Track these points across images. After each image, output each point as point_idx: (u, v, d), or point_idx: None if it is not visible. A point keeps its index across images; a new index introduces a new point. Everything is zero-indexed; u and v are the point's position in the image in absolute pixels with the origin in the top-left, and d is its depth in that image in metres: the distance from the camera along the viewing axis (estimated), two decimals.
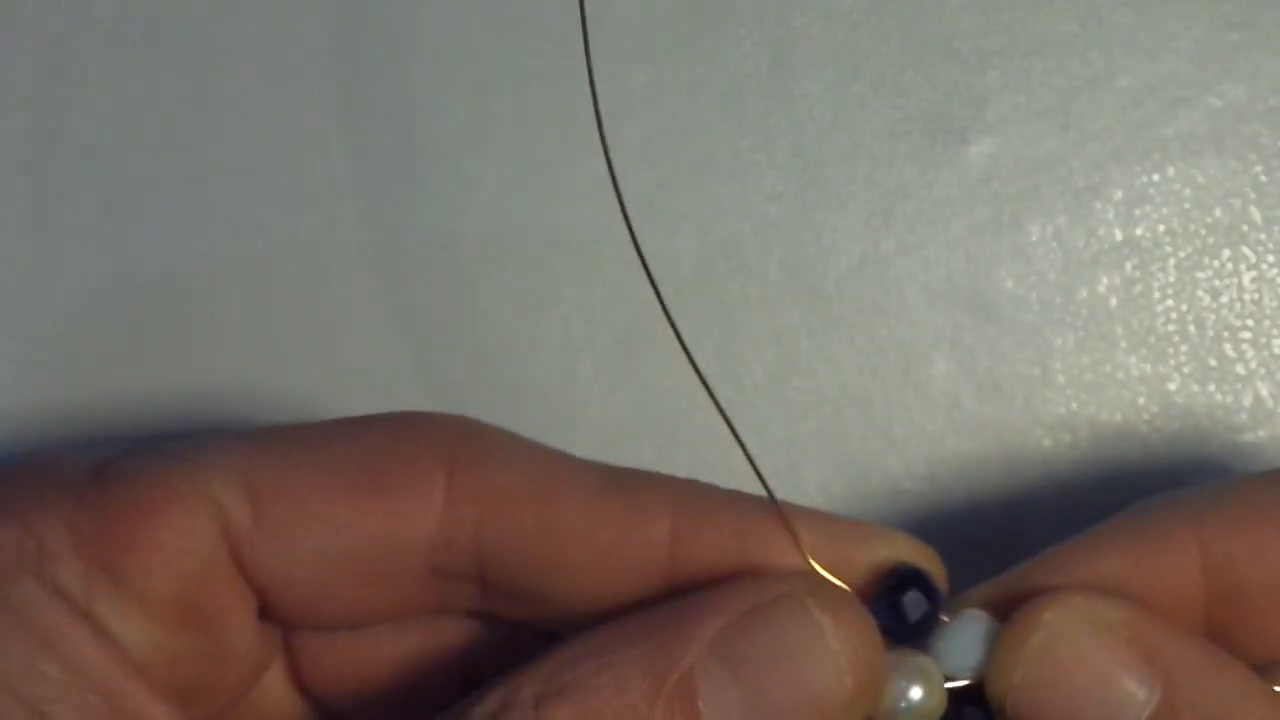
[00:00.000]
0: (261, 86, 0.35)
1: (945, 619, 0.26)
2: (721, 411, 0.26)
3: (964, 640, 0.26)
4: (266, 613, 0.27)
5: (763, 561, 0.25)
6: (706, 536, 0.25)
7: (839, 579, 0.26)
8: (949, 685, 0.26)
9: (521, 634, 0.27)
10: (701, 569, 0.25)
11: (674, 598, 0.25)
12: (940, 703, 0.25)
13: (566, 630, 0.26)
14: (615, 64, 0.35)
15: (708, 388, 0.26)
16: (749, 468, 0.27)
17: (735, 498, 0.26)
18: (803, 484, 0.34)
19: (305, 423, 0.27)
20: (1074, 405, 0.35)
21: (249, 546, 0.26)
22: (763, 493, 0.26)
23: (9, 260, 0.35)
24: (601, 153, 0.35)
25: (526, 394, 0.35)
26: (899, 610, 0.25)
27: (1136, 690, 0.24)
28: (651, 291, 0.35)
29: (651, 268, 0.35)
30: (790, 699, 0.23)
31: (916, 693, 0.25)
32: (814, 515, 0.26)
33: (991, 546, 0.35)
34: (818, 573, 0.25)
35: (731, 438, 0.27)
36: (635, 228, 0.35)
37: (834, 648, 0.24)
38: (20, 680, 0.23)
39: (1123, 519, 0.26)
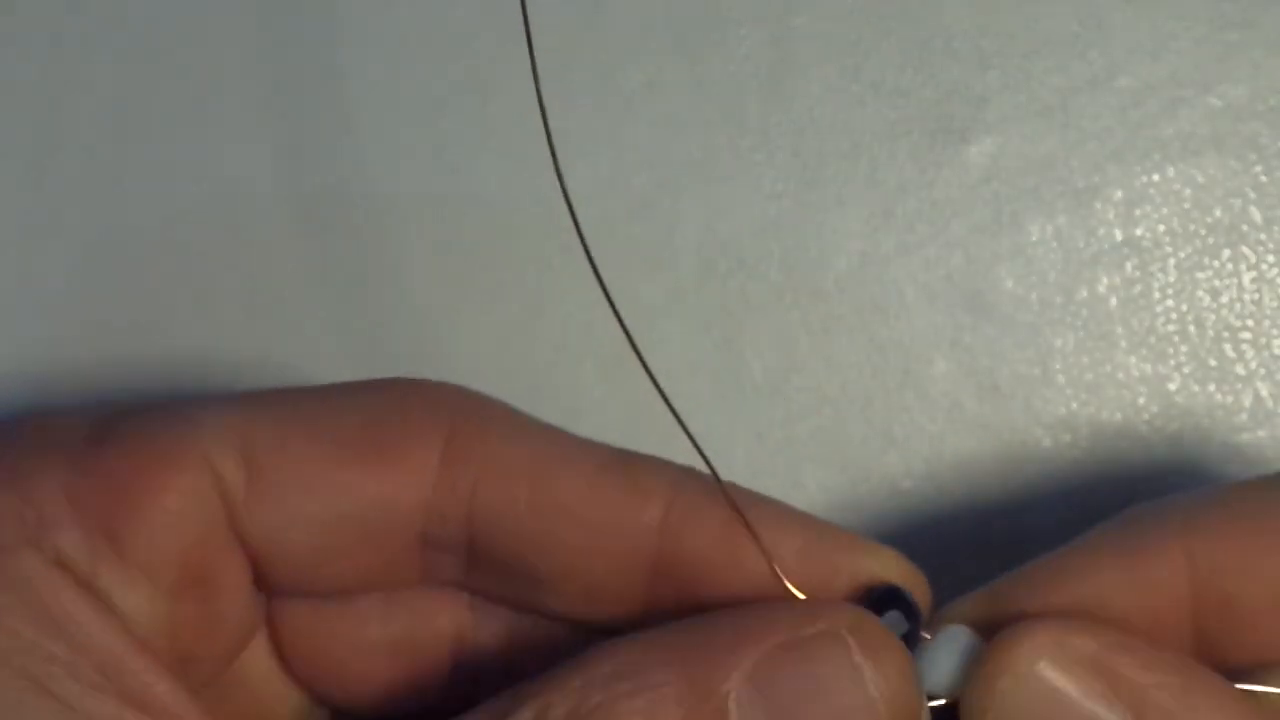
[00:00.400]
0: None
1: (927, 636, 0.26)
2: (662, 394, 0.26)
3: (944, 659, 0.25)
4: (259, 580, 0.26)
5: (745, 562, 0.25)
6: (696, 528, 0.25)
7: (823, 590, 0.25)
8: (931, 704, 0.25)
9: (515, 620, 0.27)
10: (687, 558, 0.25)
11: (708, 614, 0.24)
12: None
13: (546, 616, 0.26)
14: (615, 64, 0.35)
15: (648, 370, 0.26)
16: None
17: (733, 494, 0.26)
18: (803, 484, 0.34)
19: (303, 386, 0.27)
20: (1074, 405, 0.35)
21: (244, 510, 0.25)
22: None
23: None
24: (604, 150, 0.35)
25: (526, 394, 0.35)
26: None
27: None
28: (651, 289, 0.35)
29: (651, 268, 0.35)
30: None
31: None
32: (802, 520, 0.26)
33: (991, 547, 0.35)
34: (859, 609, 0.25)
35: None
36: (635, 227, 0.35)
37: (872, 693, 0.23)
38: (24, 658, 0.23)
39: (1110, 529, 0.26)
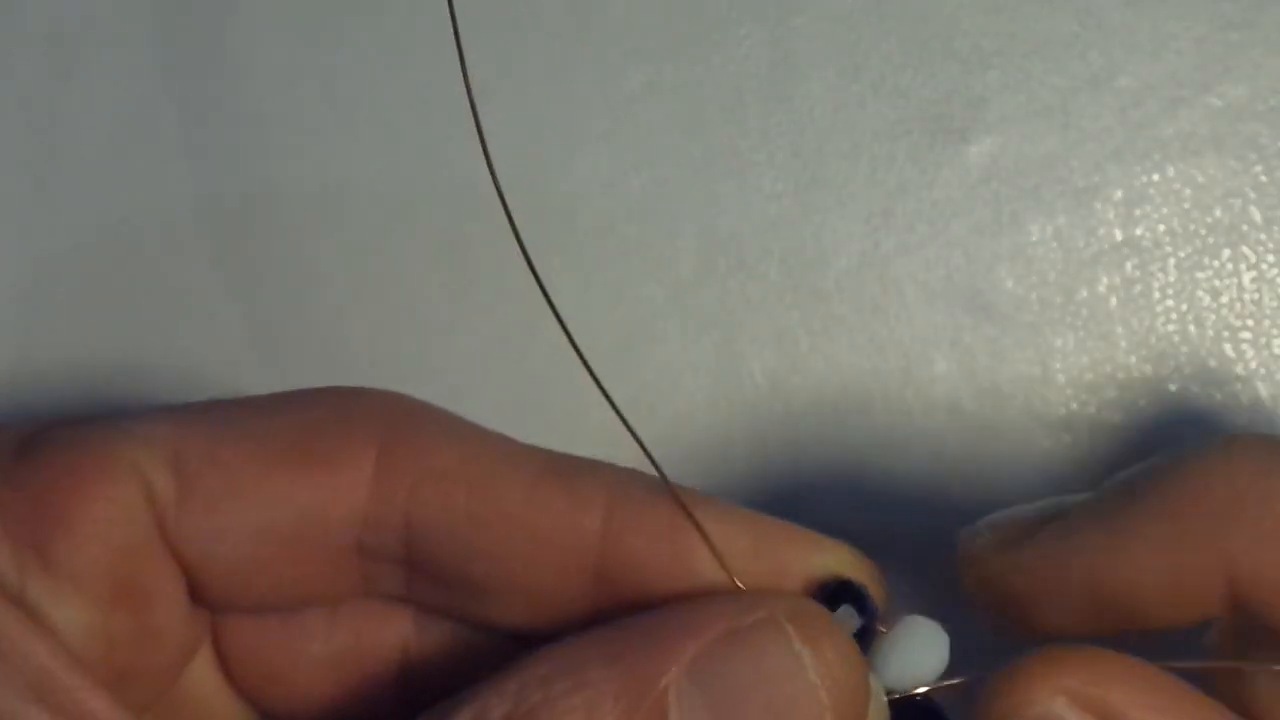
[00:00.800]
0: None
1: (883, 629, 0.25)
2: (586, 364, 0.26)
3: (903, 651, 0.25)
4: (194, 593, 0.26)
5: (690, 562, 0.24)
6: (639, 531, 0.25)
7: (773, 587, 0.25)
8: (893, 698, 0.25)
9: (461, 633, 0.27)
10: (631, 562, 0.25)
11: (648, 611, 0.24)
12: (882, 718, 0.25)
13: (491, 628, 0.26)
14: (615, 64, 0.35)
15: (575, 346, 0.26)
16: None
17: (678, 493, 0.25)
18: (803, 484, 0.34)
19: (236, 398, 0.27)
20: (1074, 405, 0.35)
21: (174, 520, 0.25)
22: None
23: None
24: (604, 150, 0.35)
25: (526, 394, 0.35)
26: None
27: None
28: (651, 289, 0.35)
29: (651, 268, 0.35)
30: None
31: None
32: (750, 519, 0.25)
33: None
34: (800, 596, 0.24)
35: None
36: (635, 227, 0.35)
37: (813, 679, 0.23)
38: None
39: (1147, 508, 0.25)
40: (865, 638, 0.25)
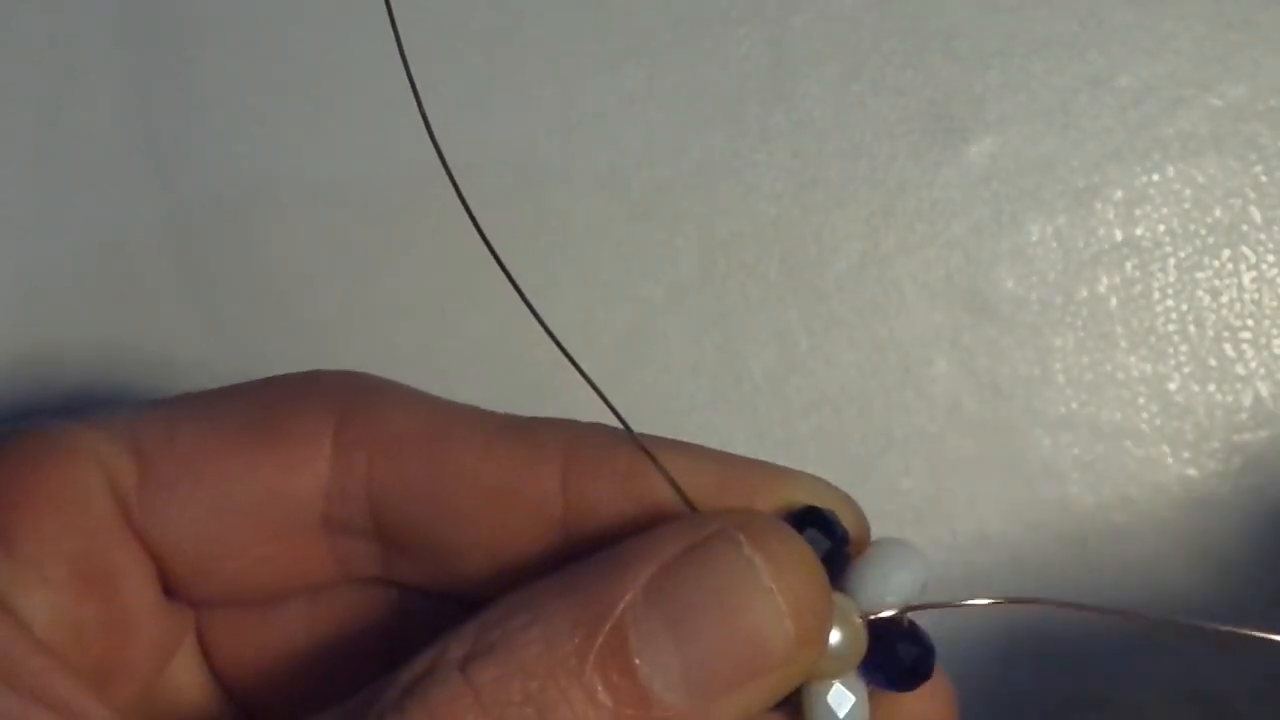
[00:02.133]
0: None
1: (855, 554, 0.24)
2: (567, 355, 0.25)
3: (876, 570, 0.24)
4: (170, 587, 0.26)
5: (654, 504, 0.24)
6: (598, 478, 0.24)
7: (745, 508, 0.24)
8: (872, 619, 0.24)
9: (444, 613, 0.26)
10: (595, 512, 0.24)
11: (604, 548, 0.23)
12: (859, 642, 0.24)
13: (472, 596, 0.25)
14: (615, 64, 0.35)
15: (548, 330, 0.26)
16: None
17: (639, 436, 0.25)
18: None
19: (198, 390, 0.27)
20: (1074, 405, 0.35)
21: (137, 504, 0.25)
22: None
23: None
24: (604, 150, 0.35)
25: (525, 394, 0.35)
26: None
27: None
28: (651, 289, 0.35)
29: (651, 268, 0.35)
30: (728, 644, 0.22)
31: (835, 635, 0.24)
32: (716, 457, 0.25)
33: (991, 547, 0.35)
34: (752, 509, 0.24)
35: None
36: (635, 227, 0.35)
37: (767, 584, 0.22)
38: None
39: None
40: (836, 562, 0.24)
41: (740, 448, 0.34)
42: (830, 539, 0.24)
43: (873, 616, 0.24)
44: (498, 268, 0.25)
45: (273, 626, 0.27)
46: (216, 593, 0.26)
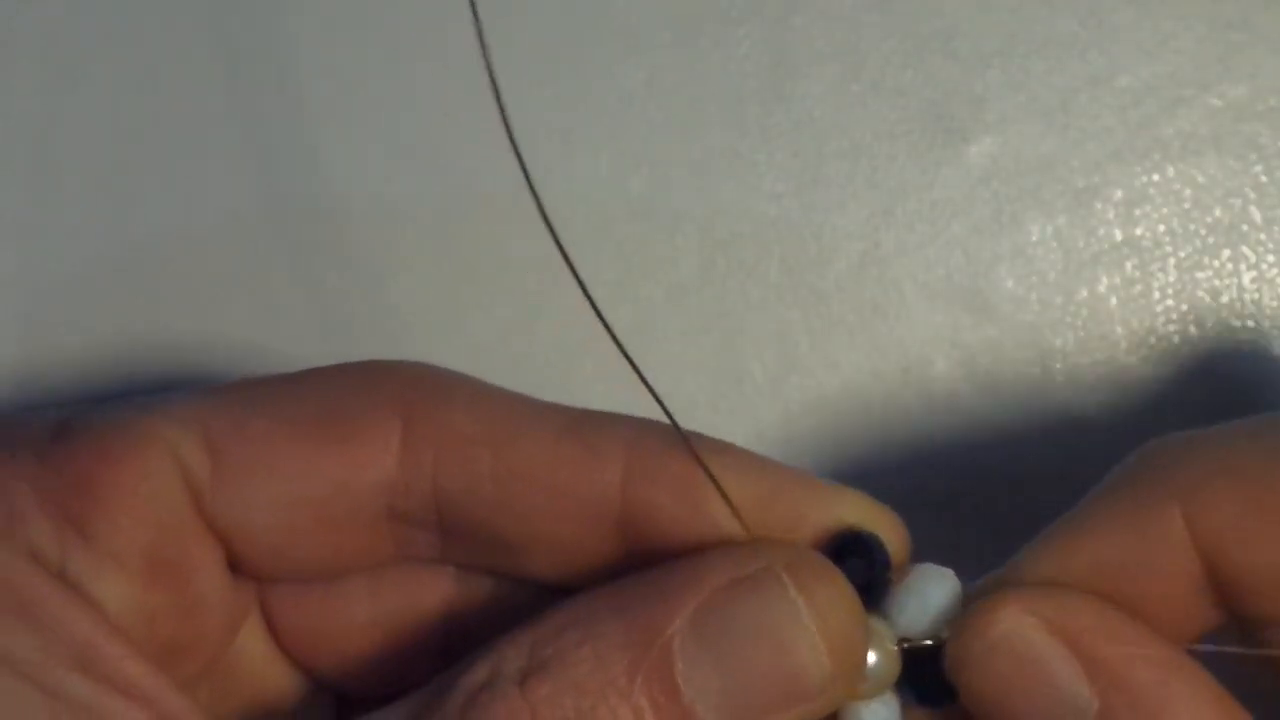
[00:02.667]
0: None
1: (895, 579, 0.26)
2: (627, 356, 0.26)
3: (917, 600, 0.25)
4: (236, 565, 0.27)
5: (707, 513, 0.25)
6: (655, 484, 0.25)
7: (785, 536, 0.25)
8: (907, 646, 0.25)
9: (501, 589, 0.27)
10: (651, 515, 0.25)
11: (656, 562, 0.25)
12: (893, 666, 0.25)
13: (529, 582, 0.26)
14: (615, 64, 0.35)
15: (609, 329, 0.26)
16: None
17: (694, 442, 0.26)
18: None
19: (263, 376, 0.27)
20: (1074, 405, 0.35)
21: (209, 494, 0.26)
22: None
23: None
24: (604, 150, 0.35)
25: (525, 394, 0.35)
26: None
27: (1079, 692, 0.24)
28: (651, 289, 0.35)
29: (651, 267, 0.35)
30: (767, 674, 0.23)
31: (871, 658, 0.25)
32: (767, 467, 0.26)
33: (992, 546, 0.35)
34: (798, 544, 0.25)
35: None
36: (635, 227, 0.35)
37: (808, 626, 0.23)
38: (5, 645, 0.23)
39: (1110, 496, 0.26)
40: (877, 587, 0.25)
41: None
42: (872, 566, 0.25)
43: (907, 644, 0.25)
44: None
45: (335, 601, 0.28)
46: (281, 572, 0.27)
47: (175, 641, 0.26)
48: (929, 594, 0.25)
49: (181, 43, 0.35)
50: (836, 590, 0.24)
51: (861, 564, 0.25)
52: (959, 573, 0.26)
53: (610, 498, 0.25)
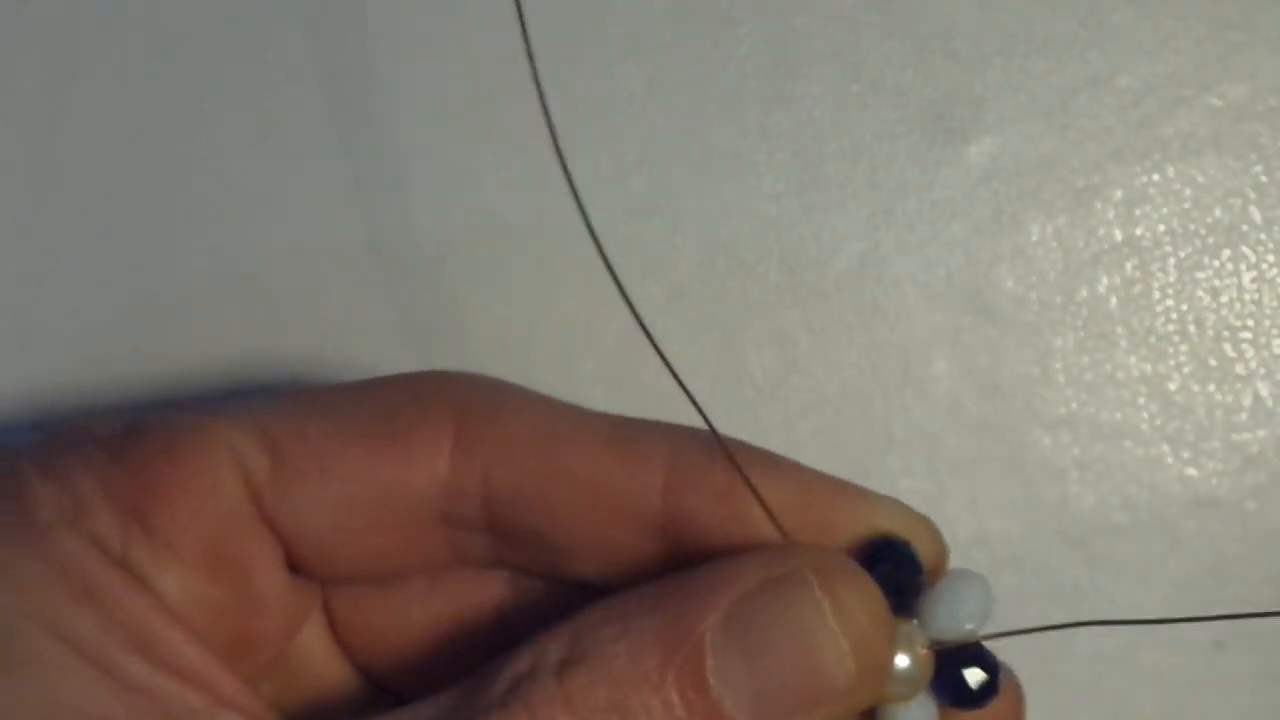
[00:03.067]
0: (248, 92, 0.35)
1: (929, 584, 0.26)
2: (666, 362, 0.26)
3: (948, 604, 0.26)
4: (296, 565, 0.28)
5: (745, 519, 0.26)
6: (696, 492, 0.26)
7: (821, 541, 0.26)
8: (939, 648, 0.26)
9: (552, 592, 0.28)
10: (691, 521, 0.26)
11: (695, 564, 0.25)
12: (925, 669, 0.25)
13: (577, 582, 0.27)
14: (615, 64, 0.35)
15: (648, 334, 0.26)
16: None
17: (733, 450, 0.26)
18: None
19: (321, 385, 0.28)
20: (1074, 405, 0.35)
21: (269, 494, 0.27)
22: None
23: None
24: (604, 150, 0.35)
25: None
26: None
27: None
28: (651, 289, 0.35)
29: (651, 268, 0.35)
30: (794, 675, 0.24)
31: (903, 661, 0.25)
32: (803, 474, 0.27)
33: (992, 546, 0.35)
34: (828, 549, 0.26)
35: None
36: (635, 227, 0.35)
37: (833, 628, 0.24)
38: (64, 625, 0.24)
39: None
40: (908, 592, 0.26)
41: None
42: (903, 572, 0.26)
43: (938, 649, 0.26)
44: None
45: (394, 602, 0.29)
46: (340, 573, 0.28)
47: (238, 636, 0.27)
48: (960, 598, 0.26)
49: (172, 45, 0.35)
50: (862, 593, 0.25)
51: (891, 568, 0.26)
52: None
53: (652, 502, 0.26)
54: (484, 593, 0.29)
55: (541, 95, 0.25)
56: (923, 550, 0.26)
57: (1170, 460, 0.35)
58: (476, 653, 0.28)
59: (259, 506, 0.27)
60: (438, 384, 0.28)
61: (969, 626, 0.26)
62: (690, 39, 0.35)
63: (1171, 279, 0.35)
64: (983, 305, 0.35)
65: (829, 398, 0.35)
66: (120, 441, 0.26)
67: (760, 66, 0.35)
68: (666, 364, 0.27)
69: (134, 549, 0.25)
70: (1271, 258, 0.35)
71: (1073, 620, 0.27)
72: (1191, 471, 0.35)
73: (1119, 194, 0.35)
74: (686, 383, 0.26)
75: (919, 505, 0.34)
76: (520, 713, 0.23)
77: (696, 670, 0.24)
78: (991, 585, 0.26)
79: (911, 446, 0.35)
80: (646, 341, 0.34)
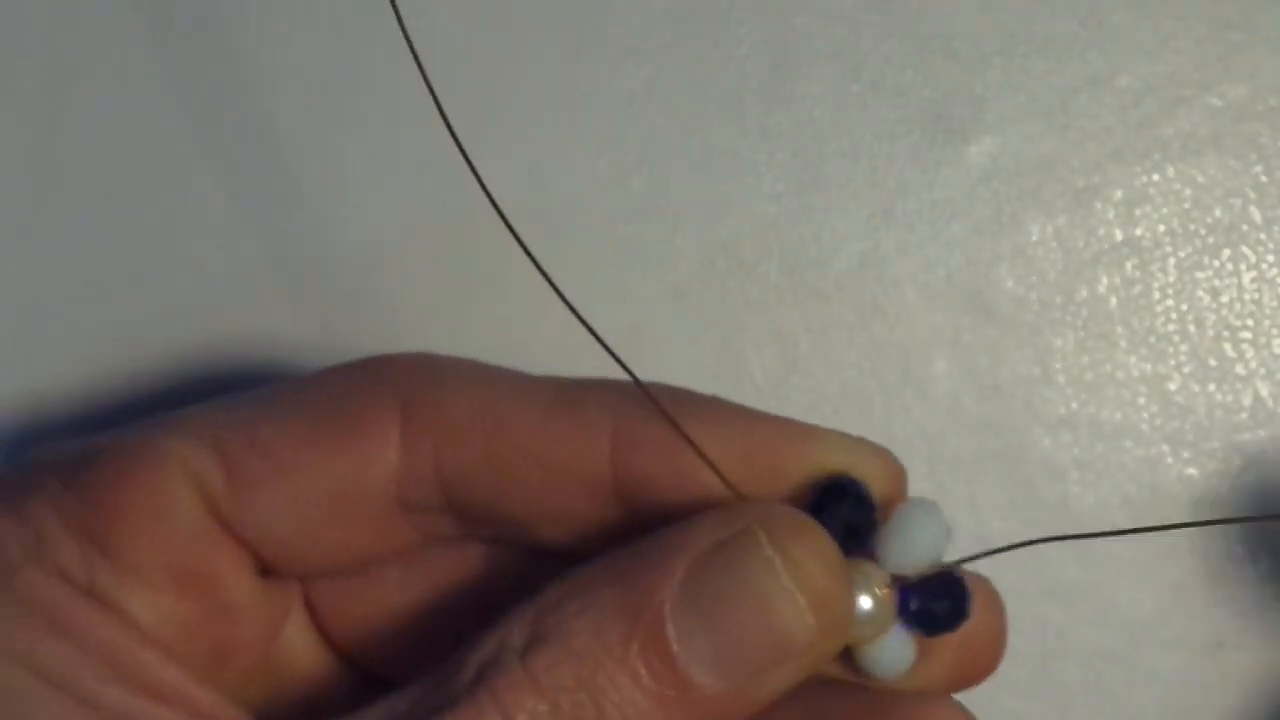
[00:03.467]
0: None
1: (883, 517, 0.25)
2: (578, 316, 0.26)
3: (902, 537, 0.25)
4: (268, 567, 0.27)
5: (693, 476, 0.26)
6: (642, 453, 0.26)
7: (775, 488, 0.25)
8: (901, 584, 0.25)
9: (528, 564, 0.28)
10: (642, 481, 0.26)
11: (655, 525, 0.25)
12: (888, 608, 0.25)
13: (547, 551, 0.27)
14: (615, 64, 0.35)
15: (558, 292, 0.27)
16: None
17: (671, 405, 0.26)
18: None
19: (273, 383, 0.28)
20: (1074, 405, 0.35)
21: (227, 504, 0.26)
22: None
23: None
24: (604, 150, 0.35)
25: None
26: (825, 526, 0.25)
27: None
28: (651, 289, 0.35)
29: (651, 267, 0.35)
30: (755, 635, 0.24)
31: (865, 603, 0.25)
32: (746, 419, 0.26)
33: (992, 546, 0.35)
34: (774, 503, 0.25)
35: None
36: (635, 227, 0.35)
37: (787, 584, 0.24)
38: (38, 660, 0.24)
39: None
40: (861, 531, 0.25)
41: None
42: (854, 512, 0.25)
43: (900, 585, 0.25)
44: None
45: (373, 590, 0.28)
46: (312, 569, 0.28)
47: (216, 648, 0.27)
48: (913, 528, 0.25)
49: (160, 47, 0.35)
50: (813, 544, 0.24)
51: (842, 509, 0.25)
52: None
53: (600, 468, 0.26)
54: (461, 568, 0.28)
55: (423, 70, 0.25)
56: (875, 484, 0.26)
57: (1170, 460, 0.35)
58: (461, 630, 0.28)
59: (218, 517, 0.26)
60: (382, 368, 0.28)
61: (927, 558, 0.25)
62: (690, 39, 0.35)
63: (1171, 279, 0.35)
64: (983, 305, 0.35)
65: (829, 398, 0.35)
66: (74, 469, 0.26)
67: (760, 66, 0.35)
68: (578, 316, 0.26)
69: (99, 576, 0.25)
70: (1271, 258, 0.35)
71: (1037, 537, 0.27)
72: (1191, 471, 0.35)
73: (1119, 194, 0.35)
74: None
75: None
76: (487, 701, 0.23)
77: (659, 640, 0.23)
78: (942, 512, 0.26)
79: (911, 446, 0.35)
80: (646, 343, 0.34)
